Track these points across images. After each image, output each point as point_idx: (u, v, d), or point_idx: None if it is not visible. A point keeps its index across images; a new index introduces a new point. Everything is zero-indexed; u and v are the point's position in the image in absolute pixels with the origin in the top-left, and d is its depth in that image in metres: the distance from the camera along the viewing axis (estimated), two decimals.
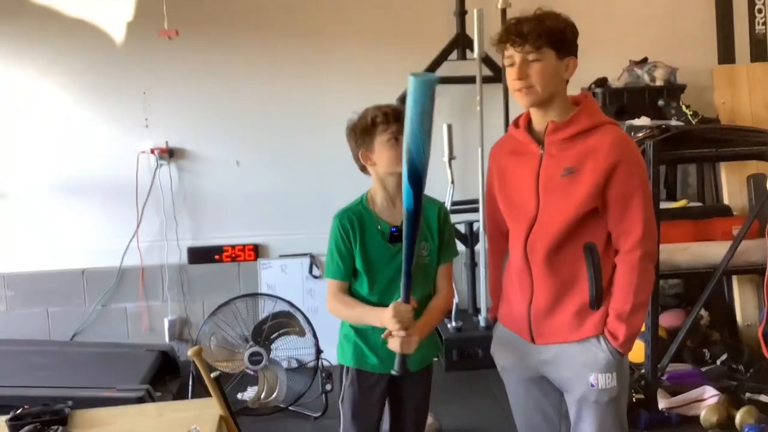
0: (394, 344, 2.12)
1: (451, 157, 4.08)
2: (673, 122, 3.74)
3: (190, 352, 3.30)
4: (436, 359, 2.43)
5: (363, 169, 2.30)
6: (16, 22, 4.22)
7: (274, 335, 3.69)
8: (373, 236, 2.24)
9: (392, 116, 2.21)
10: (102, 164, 4.36)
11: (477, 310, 4.35)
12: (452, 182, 4.09)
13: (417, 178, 1.98)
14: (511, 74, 2.07)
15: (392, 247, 2.23)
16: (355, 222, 2.24)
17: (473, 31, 4.08)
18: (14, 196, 4.36)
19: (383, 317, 2.13)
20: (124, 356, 4.01)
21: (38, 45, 4.26)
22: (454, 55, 4.35)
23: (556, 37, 2.03)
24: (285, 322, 3.70)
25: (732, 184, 4.24)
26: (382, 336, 2.15)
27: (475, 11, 4.05)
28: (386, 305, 2.17)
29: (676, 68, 4.25)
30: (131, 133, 4.34)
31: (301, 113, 4.39)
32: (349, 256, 2.25)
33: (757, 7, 4.51)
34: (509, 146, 2.23)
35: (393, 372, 2.17)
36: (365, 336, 2.28)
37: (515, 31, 2.03)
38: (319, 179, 4.37)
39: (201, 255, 4.45)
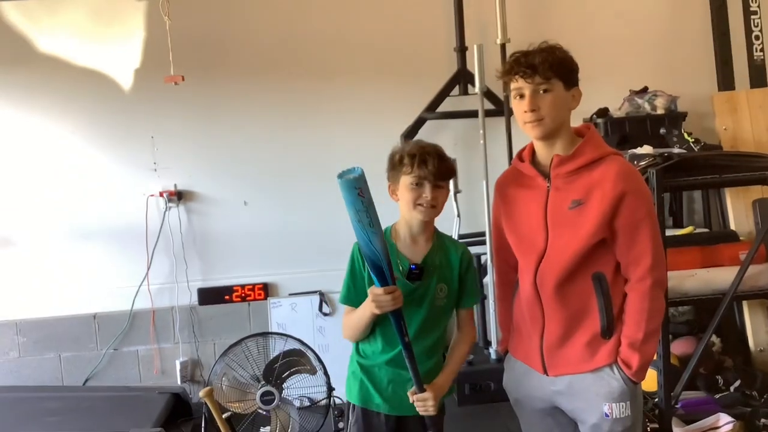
0: (418, 408, 2.21)
1: (456, 191, 4.11)
2: (676, 150, 3.75)
3: (201, 393, 3.33)
4: (448, 396, 2.39)
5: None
6: (25, 71, 4.30)
7: (285, 374, 3.68)
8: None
9: (418, 160, 2.18)
10: (111, 209, 4.40)
11: (488, 343, 4.34)
12: (458, 215, 4.12)
13: (377, 266, 2.07)
14: (521, 106, 2.09)
15: (410, 284, 2.22)
16: None
17: (474, 66, 4.13)
18: (25, 242, 4.39)
19: (366, 305, 2.17)
20: (136, 399, 4.00)
21: (47, 93, 4.33)
22: (456, 90, 4.41)
23: (565, 68, 2.07)
24: (296, 360, 3.70)
25: (738, 210, 4.25)
26: (409, 394, 2.21)
27: (475, 47, 4.11)
28: (396, 343, 2.20)
29: (677, 96, 4.28)
30: (140, 177, 4.39)
31: (307, 152, 4.44)
32: (362, 282, 2.23)
33: (754, 34, 4.56)
34: (515, 179, 2.25)
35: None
36: (371, 374, 2.28)
37: (525, 63, 2.05)
38: (327, 217, 4.39)
39: (211, 296, 4.46)
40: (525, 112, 2.08)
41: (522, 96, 2.08)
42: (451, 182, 4.09)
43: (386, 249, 2.07)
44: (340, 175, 1.98)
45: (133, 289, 4.37)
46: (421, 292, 2.24)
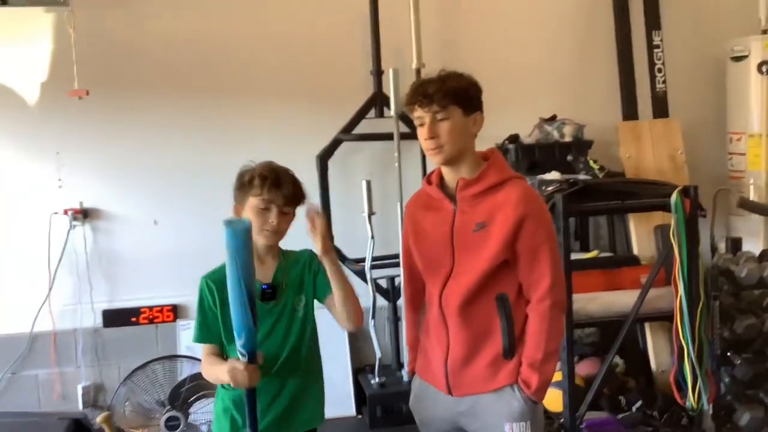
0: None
1: (370, 213, 4.12)
2: (581, 176, 3.87)
3: (98, 418, 3.22)
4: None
5: None
6: None
7: (192, 398, 3.61)
8: None
9: (270, 182, 2.15)
10: (12, 227, 4.23)
11: (400, 365, 4.35)
12: (372, 237, 4.13)
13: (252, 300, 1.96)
14: (422, 134, 2.14)
15: (264, 305, 2.16)
16: (222, 284, 2.08)
17: (390, 89, 4.17)
18: None
19: (222, 371, 2.05)
20: (35, 426, 3.82)
21: None
22: (372, 113, 4.44)
23: (461, 94, 2.12)
24: (204, 384, 3.62)
25: (640, 235, 4.39)
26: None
27: (390, 71, 4.15)
28: (262, 366, 2.06)
29: (584, 125, 4.43)
30: (44, 194, 4.24)
31: (219, 171, 4.27)
32: (214, 318, 2.17)
33: (657, 67, 4.75)
34: (423, 202, 2.29)
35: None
36: (243, 409, 2.09)
37: (422, 93, 2.11)
38: None
39: (117, 318, 4.32)
40: (425, 139, 2.12)
41: (423, 124, 2.13)
42: (365, 204, 4.13)
43: (254, 306, 1.96)
44: (229, 223, 1.91)
45: (34, 311, 4.19)
46: (278, 310, 2.20)
